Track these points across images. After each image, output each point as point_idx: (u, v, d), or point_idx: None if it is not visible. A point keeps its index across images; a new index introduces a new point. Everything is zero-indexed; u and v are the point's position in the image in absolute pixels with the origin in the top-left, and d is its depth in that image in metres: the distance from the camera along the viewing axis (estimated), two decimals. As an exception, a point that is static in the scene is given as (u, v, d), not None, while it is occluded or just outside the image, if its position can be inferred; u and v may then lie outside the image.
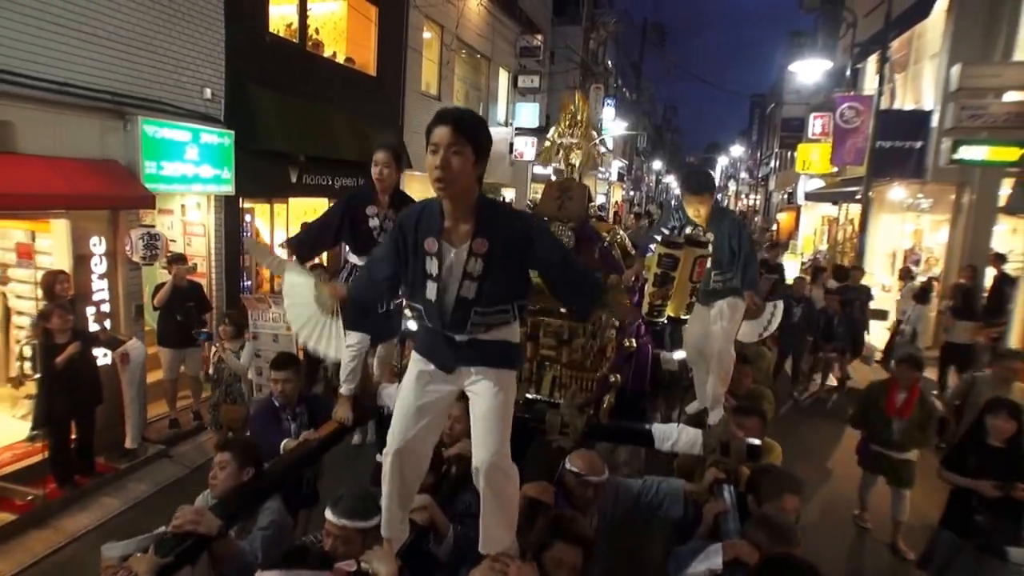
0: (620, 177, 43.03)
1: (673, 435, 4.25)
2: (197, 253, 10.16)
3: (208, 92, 9.64)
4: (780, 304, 5.45)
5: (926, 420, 6.62)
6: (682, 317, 4.62)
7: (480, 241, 2.71)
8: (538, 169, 25.24)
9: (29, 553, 6.24)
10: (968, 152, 10.27)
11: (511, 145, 22.93)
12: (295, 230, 12.37)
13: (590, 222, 5.04)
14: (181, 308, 8.53)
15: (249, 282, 11.41)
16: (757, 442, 4.29)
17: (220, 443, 4.43)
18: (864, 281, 12.91)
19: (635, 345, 5.44)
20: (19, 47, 6.95)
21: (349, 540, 2.98)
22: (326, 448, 4.43)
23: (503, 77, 23.10)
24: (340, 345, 3.10)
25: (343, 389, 4.51)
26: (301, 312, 3.11)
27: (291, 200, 12.29)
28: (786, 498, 3.72)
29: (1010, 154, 9.82)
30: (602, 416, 4.65)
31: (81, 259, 7.98)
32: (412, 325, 3.30)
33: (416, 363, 3.00)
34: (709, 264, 4.56)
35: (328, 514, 3.03)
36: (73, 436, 7.14)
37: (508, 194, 24.62)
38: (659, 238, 4.34)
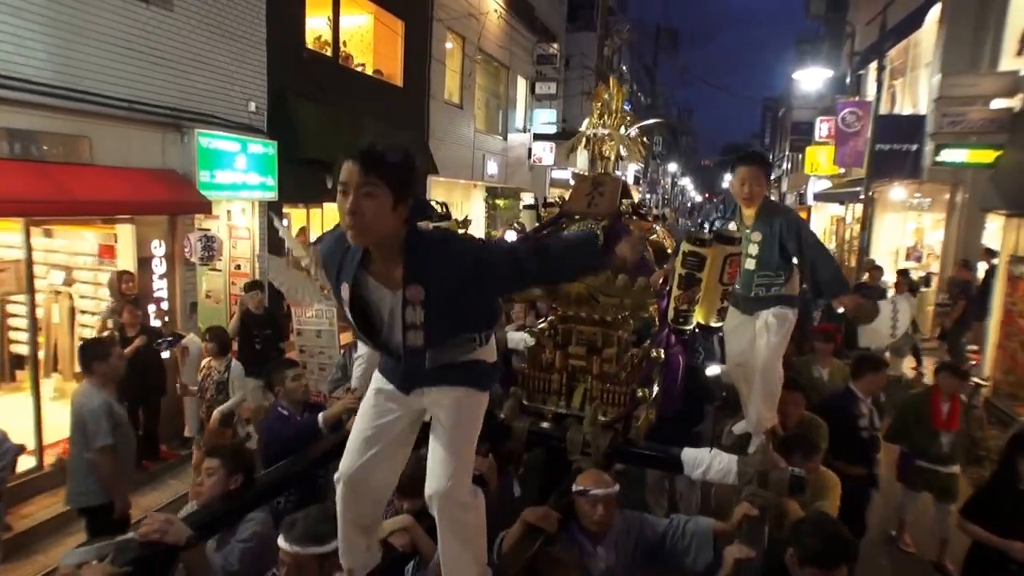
0: (636, 180, 43.58)
1: (705, 461, 3.72)
2: (242, 255, 10.91)
3: (253, 105, 10.43)
4: (903, 299, 4.89)
5: (975, 430, 6.40)
6: (713, 324, 4.34)
7: (414, 288, 2.35)
8: (556, 173, 25.98)
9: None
10: (949, 155, 11.01)
11: (530, 150, 23.71)
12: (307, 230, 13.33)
13: (623, 219, 4.64)
14: (259, 336, 8.71)
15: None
16: (801, 473, 3.65)
17: (208, 449, 4.11)
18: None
19: (663, 356, 4.76)
20: (96, 70, 7.74)
21: (303, 568, 2.71)
22: (330, 460, 3.95)
23: (521, 84, 23.82)
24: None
25: (355, 396, 4.30)
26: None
27: (325, 205, 13.10)
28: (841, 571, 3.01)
29: (986, 156, 10.53)
30: (635, 435, 4.24)
31: (143, 261, 8.78)
32: None
33: (376, 380, 2.72)
34: (753, 267, 4.32)
35: (280, 540, 2.73)
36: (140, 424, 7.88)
37: (527, 198, 25.33)
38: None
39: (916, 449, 6.41)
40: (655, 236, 4.84)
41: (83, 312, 9.02)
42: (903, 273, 14.98)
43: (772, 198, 4.61)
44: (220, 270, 10.47)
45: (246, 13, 10.14)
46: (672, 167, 69.56)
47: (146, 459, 7.94)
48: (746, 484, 3.52)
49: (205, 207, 9.14)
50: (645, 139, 5.11)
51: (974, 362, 10.75)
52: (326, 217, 13.20)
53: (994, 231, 13.51)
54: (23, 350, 8.47)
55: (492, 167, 21.07)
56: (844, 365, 6.83)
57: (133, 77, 8.24)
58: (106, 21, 7.83)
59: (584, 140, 4.87)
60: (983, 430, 6.59)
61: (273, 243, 11.11)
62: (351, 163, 2.20)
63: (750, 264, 4.32)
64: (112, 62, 7.95)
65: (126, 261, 8.64)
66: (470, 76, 19.21)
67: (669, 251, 4.83)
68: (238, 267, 10.83)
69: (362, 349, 4.51)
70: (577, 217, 4.52)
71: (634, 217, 4.79)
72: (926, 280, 15.30)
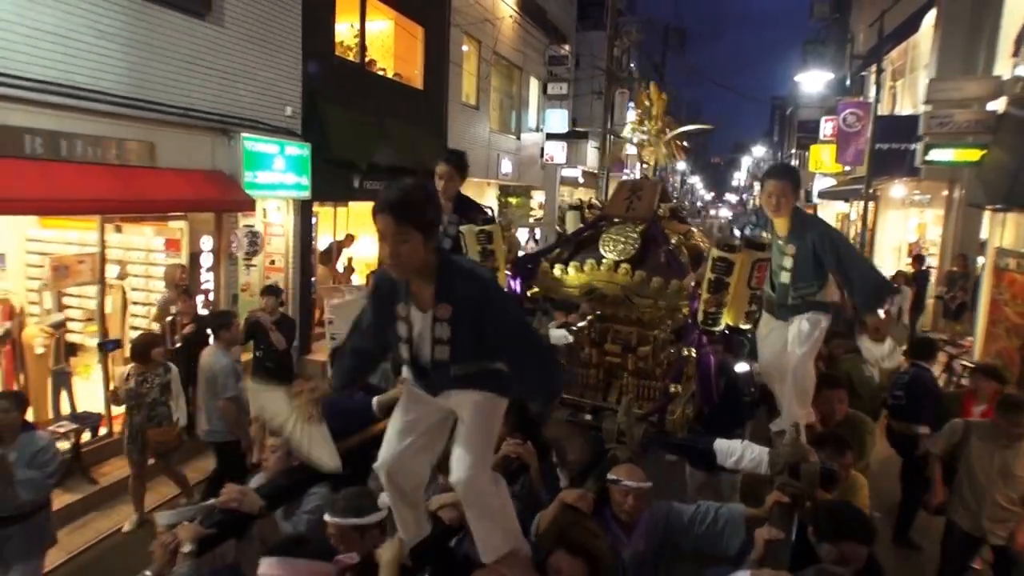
0: (645, 178, 44.20)
1: (737, 451, 3.97)
2: (276, 251, 11.89)
3: (289, 110, 11.40)
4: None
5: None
6: (742, 327, 4.50)
7: (443, 307, 2.75)
8: (566, 172, 26.84)
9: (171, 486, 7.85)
10: (938, 154, 11.91)
11: (542, 150, 24.66)
12: (354, 231, 14.35)
13: (659, 224, 4.90)
14: (264, 343, 8.70)
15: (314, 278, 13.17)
16: (833, 466, 3.92)
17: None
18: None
19: (694, 354, 4.87)
20: (160, 82, 8.75)
21: (347, 537, 3.09)
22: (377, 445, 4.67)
23: (534, 85, 24.77)
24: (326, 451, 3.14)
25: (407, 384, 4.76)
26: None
27: (351, 204, 14.11)
28: (847, 544, 3.25)
29: (973, 155, 11.41)
30: (672, 428, 4.47)
31: (192, 256, 9.78)
32: None
33: (407, 382, 3.11)
34: (788, 279, 4.51)
35: (326, 515, 3.14)
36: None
37: (539, 196, 26.29)
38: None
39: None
40: (692, 239, 5.10)
41: (135, 303, 9.90)
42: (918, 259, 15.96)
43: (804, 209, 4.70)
44: (255, 265, 11.41)
45: (285, 24, 11.16)
46: (681, 165, 70.24)
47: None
48: (777, 474, 3.72)
49: (250, 205, 10.13)
50: (686, 143, 5.40)
51: (966, 348, 11.63)
52: (352, 214, 14.25)
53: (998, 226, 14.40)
54: (75, 338, 9.36)
55: (506, 166, 21.96)
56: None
57: (190, 87, 9.24)
58: (171, 38, 8.88)
59: (625, 145, 5.31)
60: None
61: (305, 239, 12.12)
62: (385, 215, 2.57)
63: (784, 277, 4.53)
64: (174, 74, 8.97)
65: (181, 255, 9.62)
66: (486, 79, 20.23)
67: (705, 253, 4.92)
68: (272, 262, 11.82)
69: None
70: (616, 220, 4.85)
71: (668, 220, 5.06)
72: (926, 274, 16.10)
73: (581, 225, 5.19)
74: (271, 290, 9.15)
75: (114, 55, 8.11)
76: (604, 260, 4.56)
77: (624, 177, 34.80)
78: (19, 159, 7.07)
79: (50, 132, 7.46)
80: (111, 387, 7.93)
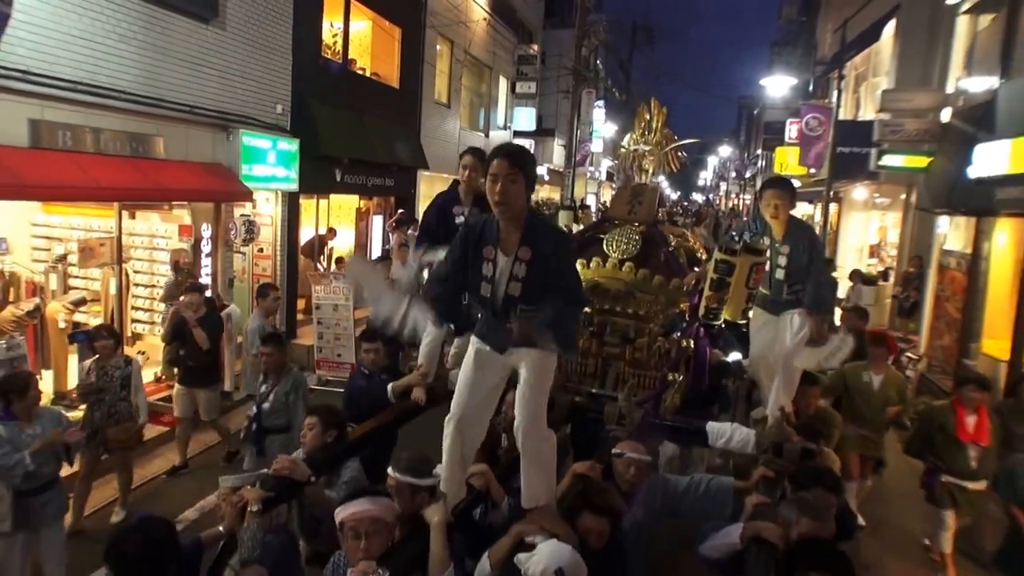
0: (609, 176, 45.14)
1: (727, 433, 4.51)
2: (265, 240, 12.90)
3: (280, 107, 12.50)
4: (850, 340, 5.23)
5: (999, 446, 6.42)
6: (739, 322, 5.15)
7: (525, 250, 3.38)
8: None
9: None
10: (889, 160, 13.37)
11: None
12: (334, 221, 15.55)
13: (659, 227, 5.56)
14: (187, 343, 8.50)
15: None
16: (812, 446, 4.46)
17: (310, 408, 4.99)
18: (835, 275, 15.14)
19: (693, 346, 5.42)
20: (169, 80, 9.81)
21: (401, 493, 3.46)
22: (400, 424, 5.11)
23: (503, 84, 26.04)
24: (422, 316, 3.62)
25: (420, 372, 5.20)
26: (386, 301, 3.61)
27: (332, 196, 15.29)
28: (818, 491, 3.82)
29: (920, 161, 12.88)
30: (664, 413, 5.00)
31: (194, 242, 10.82)
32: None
33: (474, 344, 3.69)
34: (783, 276, 5.01)
35: (390, 469, 3.55)
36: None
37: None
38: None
39: (943, 463, 6.51)
40: (688, 241, 5.74)
41: (136, 285, 10.82)
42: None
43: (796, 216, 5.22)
44: (243, 253, 12.44)
45: (278, 26, 12.29)
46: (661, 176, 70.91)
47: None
48: (763, 453, 4.28)
49: (248, 196, 11.25)
50: (683, 154, 6.11)
51: (914, 343, 13.05)
52: (332, 205, 15.55)
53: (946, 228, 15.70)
54: (80, 318, 10.24)
55: (475, 163, 22.92)
56: (898, 373, 7.72)
57: (194, 85, 10.32)
58: (178, 40, 9.95)
59: (631, 156, 5.89)
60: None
61: (292, 228, 13.22)
62: (501, 159, 3.28)
63: (780, 274, 5.05)
64: (181, 74, 10.04)
65: (192, 240, 10.71)
66: (459, 80, 21.51)
67: (701, 256, 5.80)
68: (261, 250, 12.87)
69: (430, 329, 4.93)
70: (617, 222, 5.51)
71: (664, 224, 5.72)
72: (884, 275, 17.49)
73: (573, 223, 6.09)
74: (195, 287, 8.93)
75: (132, 57, 9.15)
76: (609, 258, 5.30)
77: (589, 174, 36.15)
78: (54, 151, 8.12)
79: (78, 127, 8.49)
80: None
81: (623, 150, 6.08)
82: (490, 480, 3.88)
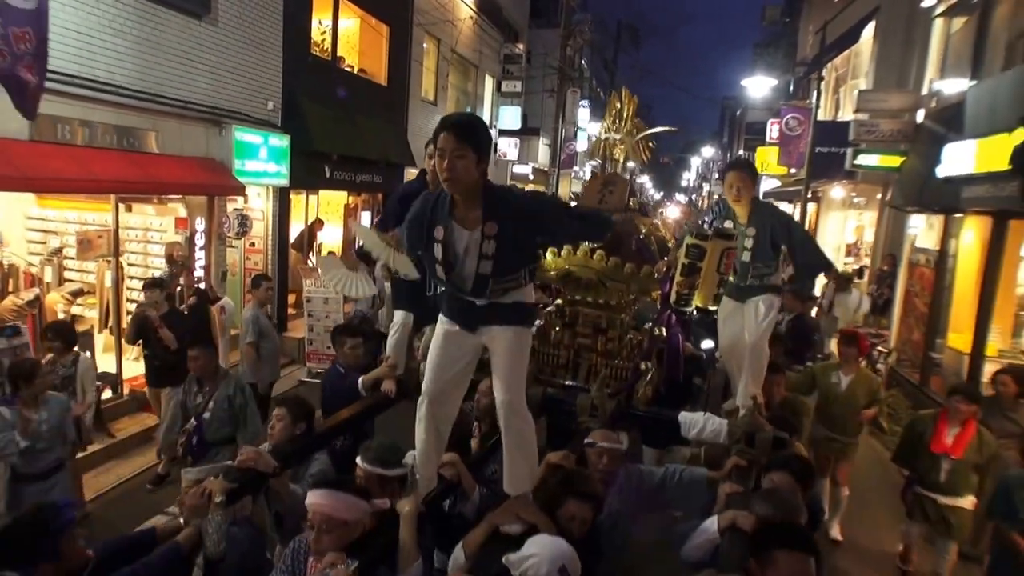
0: (615, 174, 45.30)
1: (699, 423, 4.49)
2: (257, 234, 13.18)
3: (271, 104, 12.79)
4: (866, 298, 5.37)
5: (985, 462, 6.06)
6: (710, 308, 5.14)
7: (491, 225, 3.20)
8: (517, 168, 28.28)
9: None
10: (864, 159, 13.80)
11: (495, 146, 26.01)
12: (322, 215, 15.83)
13: (630, 215, 5.56)
14: (152, 340, 8.39)
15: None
16: (784, 435, 4.43)
17: (278, 399, 5.36)
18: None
19: (665, 334, 5.47)
20: (163, 76, 10.07)
21: (370, 481, 3.46)
22: (370, 415, 5.15)
23: (488, 83, 26.32)
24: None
25: (388, 364, 5.20)
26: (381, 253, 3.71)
27: (321, 192, 15.59)
28: (783, 475, 3.81)
29: (894, 161, 13.30)
30: (638, 404, 5.01)
31: (188, 236, 11.09)
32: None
33: (442, 323, 3.60)
34: (748, 259, 5.03)
35: (358, 459, 3.59)
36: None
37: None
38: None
39: (916, 474, 6.39)
40: (658, 231, 5.78)
41: (131, 278, 10.99)
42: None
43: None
44: (235, 247, 12.73)
45: (269, 23, 12.58)
46: (631, 164, 71.59)
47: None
48: (735, 443, 4.29)
49: (240, 190, 11.52)
50: (651, 143, 6.07)
51: (884, 337, 13.47)
52: (321, 201, 15.86)
53: (923, 229, 16.04)
54: (75, 310, 10.53)
55: (460, 161, 23.22)
56: (870, 374, 7.69)
57: (187, 81, 10.59)
58: (172, 36, 10.22)
59: (601, 145, 5.96)
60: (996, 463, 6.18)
61: (282, 223, 13.51)
62: (446, 133, 3.10)
63: (745, 256, 5.06)
64: (174, 70, 10.31)
65: (172, 236, 10.94)
66: (446, 78, 21.83)
67: (670, 245, 5.83)
68: (252, 244, 13.16)
69: (397, 319, 5.19)
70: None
71: (634, 214, 5.68)
72: (859, 272, 17.84)
73: None
74: (155, 283, 8.75)
75: (126, 52, 9.40)
76: (580, 247, 5.18)
77: (574, 174, 36.52)
78: (53, 144, 8.40)
79: (75, 120, 8.74)
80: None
81: (595, 140, 5.95)
82: (461, 470, 3.79)
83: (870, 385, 7.32)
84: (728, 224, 5.08)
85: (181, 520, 3.36)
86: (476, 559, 3.21)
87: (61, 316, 9.43)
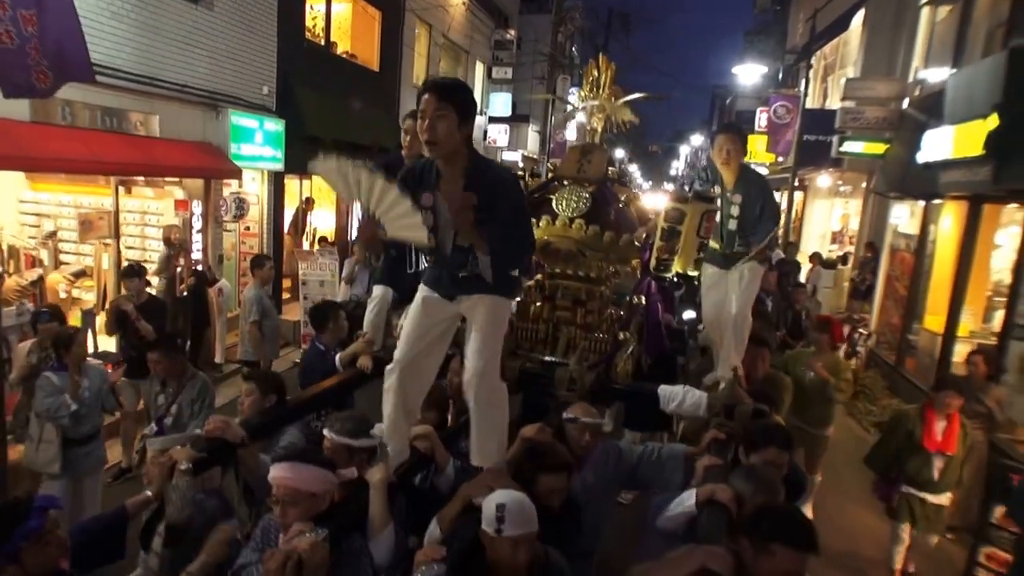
0: (594, 143, 45.26)
1: (679, 396, 4.35)
2: (252, 218, 13.44)
3: (266, 88, 13.06)
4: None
5: (966, 453, 6.02)
6: (690, 273, 4.98)
7: (471, 195, 3.16)
8: (507, 155, 28.39)
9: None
10: (849, 146, 14.13)
11: (485, 132, 26.35)
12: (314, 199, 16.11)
13: (609, 185, 5.42)
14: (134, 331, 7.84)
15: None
16: (764, 408, 4.39)
17: (246, 375, 5.54)
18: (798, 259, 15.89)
19: (643, 302, 5.42)
20: (161, 60, 10.33)
21: (337, 453, 3.39)
22: (347, 390, 4.94)
23: (479, 69, 26.55)
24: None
25: (365, 339, 5.03)
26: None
27: (315, 177, 15.78)
28: (771, 450, 3.73)
29: (878, 148, 13.62)
30: (618, 377, 4.92)
31: (185, 219, 11.32)
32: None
33: (422, 291, 3.55)
34: (735, 227, 5.00)
35: (325, 430, 3.52)
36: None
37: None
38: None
39: (905, 474, 6.15)
40: (638, 201, 5.63)
41: (128, 260, 10.97)
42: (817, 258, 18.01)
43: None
44: (231, 230, 12.99)
45: (263, 7, 12.85)
46: (619, 153, 71.71)
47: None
48: (714, 416, 4.21)
49: (237, 174, 11.81)
50: (634, 116, 5.80)
51: (865, 320, 13.88)
52: (314, 186, 16.13)
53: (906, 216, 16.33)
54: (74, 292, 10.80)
55: (451, 146, 23.44)
56: (840, 359, 7.43)
57: (185, 65, 10.85)
58: (169, 20, 10.47)
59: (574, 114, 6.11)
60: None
61: (277, 207, 13.79)
62: (428, 94, 3.04)
63: (732, 225, 5.05)
64: (172, 53, 10.56)
65: (170, 219, 11.20)
66: (437, 64, 22.07)
67: (651, 216, 5.59)
68: (247, 228, 13.42)
69: (376, 293, 5.02)
70: (567, 183, 5.30)
71: (613, 184, 5.57)
72: (844, 259, 18.13)
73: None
74: (132, 271, 8.36)
75: (126, 36, 9.64)
76: (559, 216, 5.09)
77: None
78: (55, 125, 8.64)
79: (76, 102, 8.95)
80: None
81: (572, 109, 5.86)
82: (435, 443, 3.72)
83: (834, 363, 7.11)
84: (716, 190, 5.06)
85: (148, 493, 3.31)
86: (451, 532, 3.13)
87: (63, 296, 9.68)
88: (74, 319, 9.68)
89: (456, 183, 3.20)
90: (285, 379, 4.64)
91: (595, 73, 5.64)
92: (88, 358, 6.31)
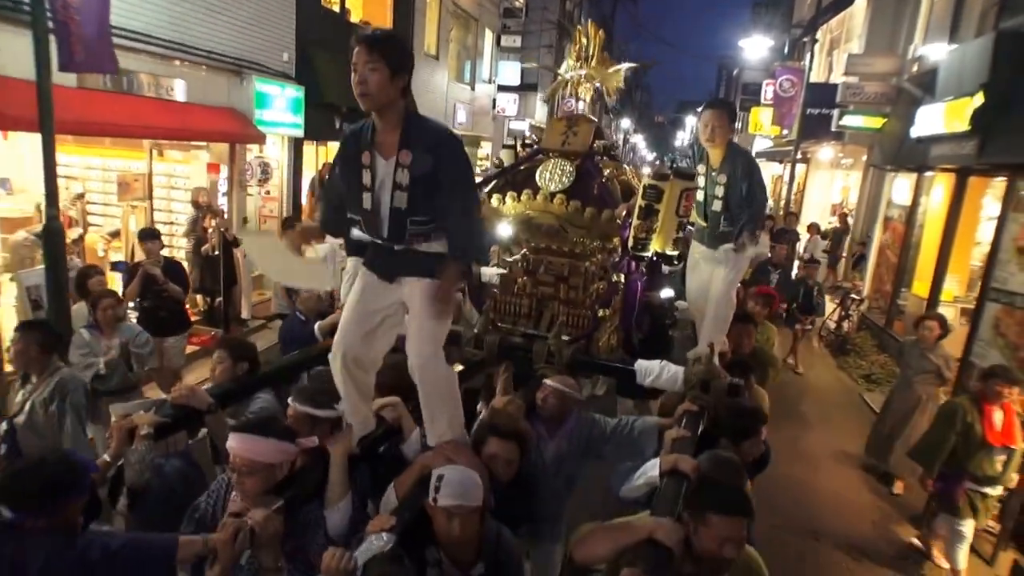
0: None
1: (655, 370, 4.40)
2: (272, 182, 13.82)
3: (285, 55, 13.62)
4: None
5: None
6: (669, 252, 4.87)
7: (405, 153, 3.08)
8: (515, 124, 28.83)
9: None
10: (849, 120, 14.76)
11: (494, 101, 26.88)
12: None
13: (594, 159, 5.25)
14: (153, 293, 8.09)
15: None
16: (739, 382, 4.39)
17: (217, 342, 5.41)
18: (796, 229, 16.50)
19: (623, 280, 5.38)
20: (189, 26, 10.85)
21: (300, 421, 3.36)
22: (319, 361, 4.51)
23: (488, 37, 26.89)
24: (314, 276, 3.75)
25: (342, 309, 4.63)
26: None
27: (331, 144, 16.38)
28: (744, 445, 3.88)
29: (876, 122, 14.28)
30: (600, 351, 4.99)
31: (212, 182, 11.98)
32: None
33: (362, 275, 3.46)
34: (720, 208, 4.90)
35: (290, 399, 3.49)
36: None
37: (486, 147, 28.08)
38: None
39: (968, 471, 5.89)
40: (624, 175, 5.49)
41: (156, 222, 11.56)
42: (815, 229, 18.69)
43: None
44: (252, 194, 13.57)
45: (285, -26, 13.34)
46: (625, 123, 71.66)
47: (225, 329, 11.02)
48: (690, 390, 4.24)
49: (261, 139, 12.47)
50: (622, 85, 5.74)
51: (858, 288, 14.60)
52: (331, 153, 16.51)
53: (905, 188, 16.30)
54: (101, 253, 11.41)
55: (461, 115, 24.05)
56: (770, 327, 7.16)
57: (212, 32, 11.41)
58: (197, -13, 11.02)
59: (565, 83, 5.59)
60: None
61: (296, 172, 14.42)
62: (359, 47, 3.01)
63: (717, 205, 4.94)
64: (200, 21, 11.10)
65: (201, 179, 11.86)
66: (448, 31, 22.51)
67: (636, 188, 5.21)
68: (268, 192, 14.00)
69: (350, 266, 4.92)
70: (551, 154, 5.20)
71: (601, 158, 5.44)
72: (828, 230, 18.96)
73: (515, 159, 5.60)
74: (149, 234, 8.44)
75: (161, 4, 10.18)
76: (540, 191, 5.01)
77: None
78: (99, 91, 9.25)
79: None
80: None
81: (560, 79, 5.67)
82: (402, 412, 3.67)
83: (767, 336, 6.94)
84: (701, 168, 4.98)
85: (107, 457, 3.27)
86: (407, 500, 3.12)
87: (101, 255, 10.33)
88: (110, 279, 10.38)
89: (391, 137, 3.16)
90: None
91: (583, 41, 5.56)
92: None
